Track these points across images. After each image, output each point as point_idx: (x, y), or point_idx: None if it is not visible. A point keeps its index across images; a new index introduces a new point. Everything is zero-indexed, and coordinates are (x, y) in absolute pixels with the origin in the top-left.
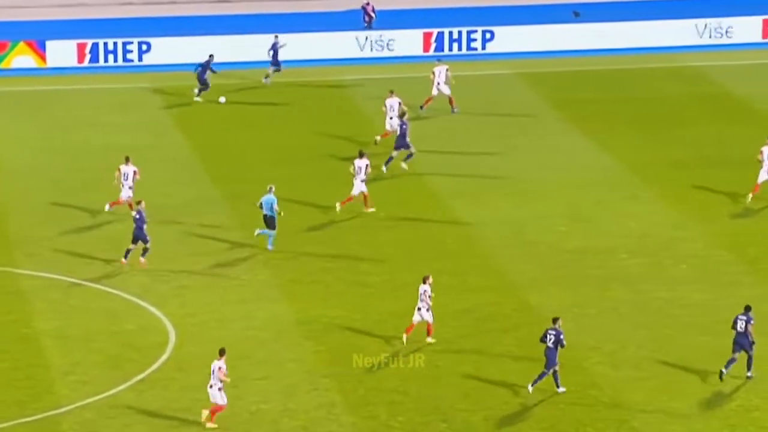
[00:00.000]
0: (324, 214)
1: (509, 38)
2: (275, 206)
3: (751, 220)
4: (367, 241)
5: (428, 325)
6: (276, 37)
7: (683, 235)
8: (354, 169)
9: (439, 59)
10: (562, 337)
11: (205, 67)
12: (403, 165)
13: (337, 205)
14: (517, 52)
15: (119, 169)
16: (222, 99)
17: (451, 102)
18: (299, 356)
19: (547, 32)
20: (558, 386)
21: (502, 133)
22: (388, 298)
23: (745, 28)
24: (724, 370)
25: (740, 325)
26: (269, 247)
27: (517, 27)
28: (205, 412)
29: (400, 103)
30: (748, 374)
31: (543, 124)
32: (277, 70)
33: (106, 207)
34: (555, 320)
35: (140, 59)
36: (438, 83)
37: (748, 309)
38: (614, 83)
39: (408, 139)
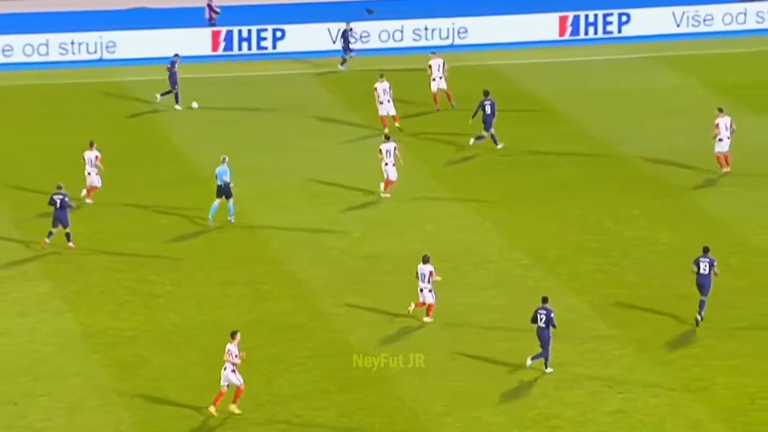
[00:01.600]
0: (109, 221)
1: (299, 37)
2: (226, 177)
3: (551, 223)
4: (156, 250)
5: (429, 305)
6: (347, 25)
7: (482, 239)
8: (383, 153)
9: (434, 52)
10: (552, 316)
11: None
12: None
13: (381, 185)
14: (311, 51)
15: (83, 156)
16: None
17: (448, 97)
18: (85, 371)
19: (334, 30)
20: (546, 366)
21: (297, 134)
22: (179, 308)
23: (540, 26)
24: (698, 316)
25: (703, 267)
26: (231, 219)
27: (307, 25)
28: (212, 409)
29: (390, 87)
30: (698, 316)
31: (340, 125)
32: (344, 59)
33: (83, 194)
34: (545, 300)
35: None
36: (433, 78)
37: (707, 250)
38: (413, 82)
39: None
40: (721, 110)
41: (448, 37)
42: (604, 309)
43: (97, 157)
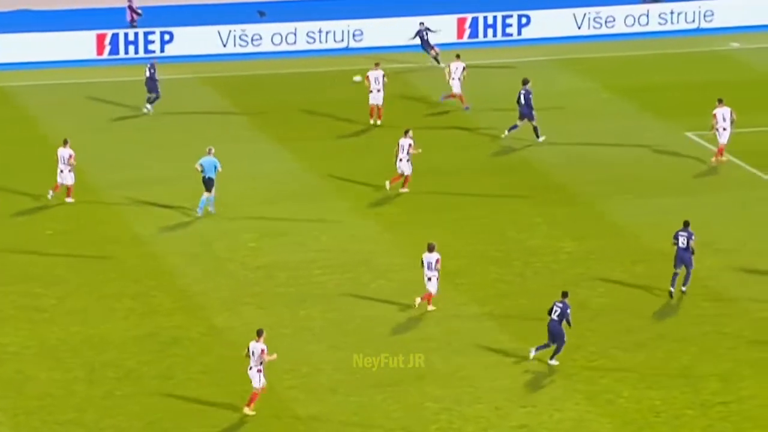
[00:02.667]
0: None
1: (187, 41)
2: (219, 168)
3: (452, 232)
4: (39, 261)
5: (430, 294)
6: (421, 24)
7: (380, 249)
8: (398, 147)
9: (377, 63)
10: (568, 311)
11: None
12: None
13: (387, 182)
14: (198, 55)
15: (57, 153)
16: None
17: (461, 99)
18: None
19: (233, 33)
20: (552, 358)
21: (185, 140)
22: (64, 322)
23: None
24: (672, 288)
25: (681, 241)
26: (212, 210)
27: (196, 28)
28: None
29: (384, 76)
30: (683, 288)
31: (231, 131)
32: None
33: (50, 195)
34: (564, 294)
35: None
36: (453, 78)
37: (687, 224)
38: (305, 87)
39: (533, 111)
40: (720, 101)
41: (343, 40)
42: (507, 320)
43: (71, 155)
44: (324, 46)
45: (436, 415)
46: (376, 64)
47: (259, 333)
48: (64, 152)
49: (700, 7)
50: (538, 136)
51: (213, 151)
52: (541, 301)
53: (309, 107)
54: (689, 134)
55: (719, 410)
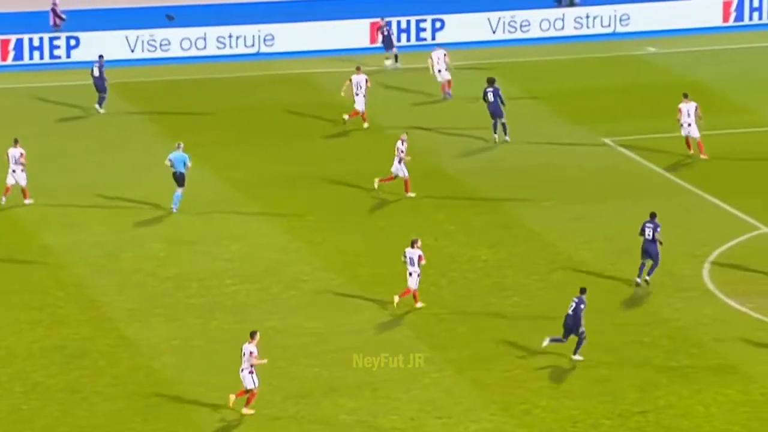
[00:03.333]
0: None
1: (92, 45)
2: (189, 163)
3: (365, 240)
4: None
5: (409, 290)
6: (382, 20)
7: (291, 258)
8: (396, 150)
9: (439, 45)
10: (582, 307)
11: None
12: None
13: (376, 181)
14: (105, 61)
15: (7, 153)
16: None
17: (448, 86)
18: None
19: (141, 38)
20: (576, 353)
21: (91, 148)
22: None
23: (351, 34)
24: (638, 279)
25: (648, 233)
26: (174, 209)
27: (103, 32)
28: (233, 397)
29: (367, 80)
30: (647, 278)
31: (139, 138)
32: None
33: (2, 201)
34: (582, 290)
35: None
36: (439, 70)
37: (654, 216)
38: (215, 92)
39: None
40: (686, 96)
41: (254, 45)
42: (422, 330)
43: (21, 154)
44: (234, 51)
45: (351, 428)
46: (358, 68)
47: (252, 335)
48: (15, 152)
49: (615, 11)
50: (506, 134)
51: (182, 146)
52: (455, 310)
53: (219, 114)
54: (606, 140)
55: (637, 420)
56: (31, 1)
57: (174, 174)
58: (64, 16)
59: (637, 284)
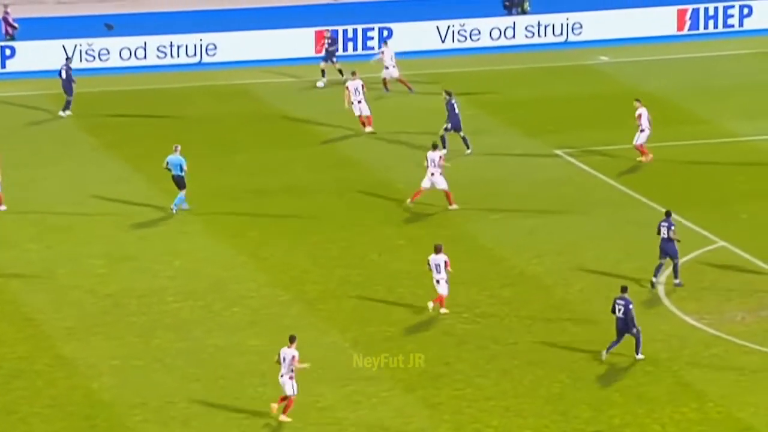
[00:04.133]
0: None
1: (30, 55)
2: (185, 166)
3: (311, 256)
4: None
5: (441, 297)
6: (327, 32)
7: (235, 274)
8: (428, 162)
9: (385, 41)
10: (631, 307)
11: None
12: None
13: (408, 201)
14: (42, 71)
15: None
16: None
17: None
18: None
19: (78, 47)
20: (638, 352)
21: (24, 162)
22: None
23: (295, 44)
24: (654, 279)
25: (663, 231)
26: (174, 210)
27: (40, 42)
28: (275, 405)
29: (363, 86)
30: (676, 281)
31: (75, 151)
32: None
33: None
34: (624, 289)
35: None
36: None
37: (668, 214)
38: (156, 103)
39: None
40: (638, 101)
41: (195, 54)
42: (370, 347)
43: None
44: (176, 60)
45: None
46: (353, 73)
47: (292, 339)
48: None
49: (568, 19)
50: (468, 147)
51: (179, 149)
52: (404, 327)
53: (160, 125)
54: (558, 151)
55: None
56: None
57: (173, 177)
58: (16, 25)
59: (653, 285)
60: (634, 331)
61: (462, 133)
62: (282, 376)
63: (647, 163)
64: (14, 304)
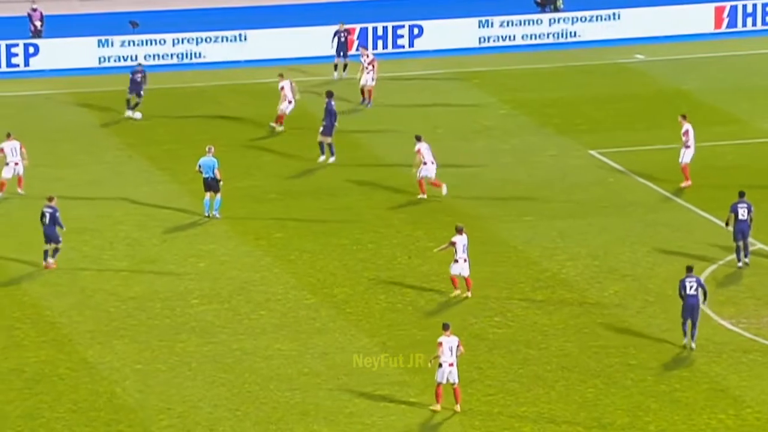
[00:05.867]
0: None
1: (53, 53)
2: (216, 170)
3: (339, 258)
4: None
5: (467, 279)
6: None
7: (261, 277)
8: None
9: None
10: (703, 282)
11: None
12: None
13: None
14: (65, 69)
15: (2, 148)
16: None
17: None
18: None
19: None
20: (693, 340)
21: (48, 162)
22: None
23: (325, 42)
24: (739, 263)
25: (741, 213)
26: (216, 215)
27: (61, 39)
28: (437, 406)
29: (292, 83)
30: (746, 260)
31: (98, 151)
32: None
33: None
34: (690, 269)
35: None
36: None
37: (743, 195)
38: (181, 102)
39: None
40: (684, 117)
41: (222, 52)
42: (400, 351)
43: (21, 145)
44: (201, 60)
45: None
46: (281, 75)
47: (446, 326)
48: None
49: (602, 16)
50: (332, 154)
51: (213, 150)
52: (435, 331)
53: (185, 125)
54: (592, 152)
55: None
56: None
57: (205, 180)
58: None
59: (739, 267)
60: (698, 316)
61: (330, 140)
62: (451, 365)
63: (686, 188)
64: (36, 307)
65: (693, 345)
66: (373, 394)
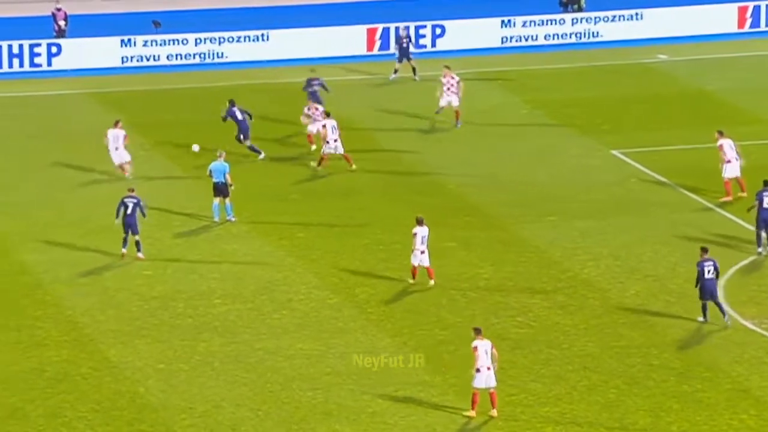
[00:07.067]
0: None
1: (76, 53)
2: (227, 174)
3: (360, 257)
4: None
5: (428, 269)
6: (405, 29)
7: (283, 276)
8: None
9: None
10: (718, 265)
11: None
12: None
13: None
14: (87, 69)
15: (107, 134)
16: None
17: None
18: None
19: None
20: (724, 314)
21: (72, 162)
22: None
23: (347, 41)
24: (759, 249)
25: (767, 201)
26: (231, 219)
27: (84, 39)
28: (472, 412)
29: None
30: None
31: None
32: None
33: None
34: (705, 250)
35: None
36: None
37: (767, 183)
38: (204, 102)
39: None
40: (721, 133)
41: (243, 52)
42: (422, 352)
43: (125, 136)
44: (222, 60)
45: None
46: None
47: (478, 331)
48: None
49: (624, 16)
50: (259, 152)
51: (224, 155)
52: (457, 332)
53: (208, 124)
54: (614, 152)
55: None
56: None
57: (215, 185)
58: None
59: (759, 254)
60: (717, 294)
61: (249, 143)
62: (489, 369)
63: (726, 201)
64: (58, 306)
65: (728, 322)
66: (395, 394)
